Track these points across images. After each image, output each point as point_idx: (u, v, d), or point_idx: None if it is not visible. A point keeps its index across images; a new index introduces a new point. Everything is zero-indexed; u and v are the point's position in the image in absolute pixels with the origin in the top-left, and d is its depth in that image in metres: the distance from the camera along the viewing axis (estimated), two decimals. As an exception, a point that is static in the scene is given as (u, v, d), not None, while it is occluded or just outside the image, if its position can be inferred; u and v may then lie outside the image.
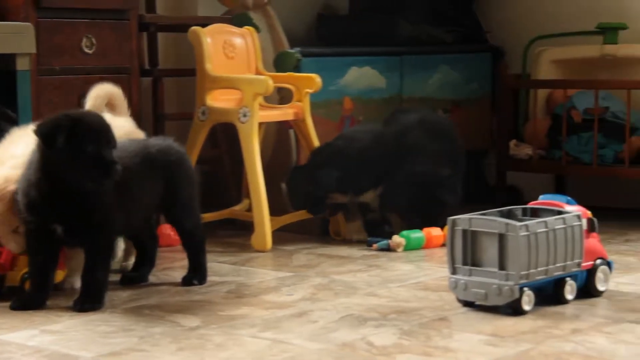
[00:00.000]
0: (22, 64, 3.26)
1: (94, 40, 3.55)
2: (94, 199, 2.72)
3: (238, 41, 3.84)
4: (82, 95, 3.32)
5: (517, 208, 2.88)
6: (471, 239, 2.70)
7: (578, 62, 4.39)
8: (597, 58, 4.34)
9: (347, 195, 3.74)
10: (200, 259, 3.09)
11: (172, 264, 3.36)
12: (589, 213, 2.86)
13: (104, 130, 2.70)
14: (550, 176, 4.52)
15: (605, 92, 4.17)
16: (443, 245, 3.53)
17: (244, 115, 3.60)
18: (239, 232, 3.88)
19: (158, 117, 3.97)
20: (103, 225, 2.76)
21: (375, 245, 3.61)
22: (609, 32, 4.30)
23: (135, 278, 3.10)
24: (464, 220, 2.71)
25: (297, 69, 3.96)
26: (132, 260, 3.21)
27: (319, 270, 3.27)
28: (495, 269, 2.66)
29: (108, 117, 2.86)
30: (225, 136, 4.06)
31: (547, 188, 4.38)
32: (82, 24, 3.53)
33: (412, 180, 3.66)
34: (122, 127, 3.03)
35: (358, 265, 3.36)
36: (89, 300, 2.76)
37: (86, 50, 3.53)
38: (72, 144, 2.64)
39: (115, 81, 3.28)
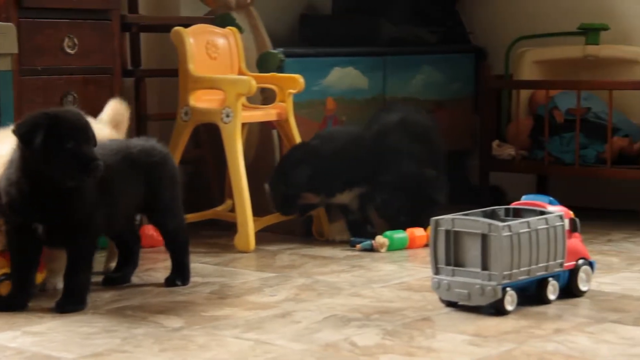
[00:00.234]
0: (4, 64, 3.24)
1: (76, 41, 3.54)
2: (76, 199, 2.71)
3: (221, 41, 3.83)
4: (65, 95, 3.31)
5: (500, 208, 2.89)
6: (454, 240, 2.70)
7: (560, 62, 4.40)
8: (579, 59, 4.35)
9: (319, 196, 3.72)
10: (183, 260, 3.08)
11: (155, 265, 3.36)
12: (571, 213, 2.87)
13: (83, 127, 2.68)
14: (532, 176, 4.54)
15: (587, 93, 4.19)
16: (426, 245, 3.53)
17: (227, 116, 3.59)
18: (222, 233, 3.88)
19: (141, 117, 3.96)
20: (85, 225, 2.75)
21: (358, 246, 3.61)
22: (591, 33, 4.32)
23: (118, 279, 3.09)
24: (447, 220, 2.71)
25: (280, 69, 3.96)
26: (115, 262, 3.19)
27: (302, 271, 3.27)
28: (478, 269, 2.67)
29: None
30: (208, 137, 4.05)
31: (530, 188, 4.40)
32: (64, 24, 3.51)
33: (401, 181, 3.66)
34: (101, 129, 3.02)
35: (341, 265, 3.37)
36: (71, 302, 2.75)
37: (68, 50, 3.52)
38: (50, 142, 2.62)
39: (98, 81, 3.28)
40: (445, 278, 2.72)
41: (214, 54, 3.80)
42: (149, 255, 3.47)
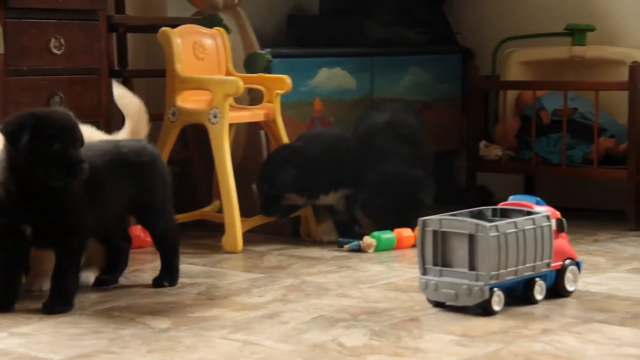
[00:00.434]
0: (-10, 65, 3.24)
1: (62, 41, 3.53)
2: (64, 200, 2.70)
3: (208, 42, 3.83)
4: (51, 96, 3.30)
5: (487, 209, 2.89)
6: (441, 240, 2.71)
7: (547, 63, 4.42)
8: (565, 59, 4.37)
9: (303, 197, 3.72)
10: (173, 261, 3.07)
11: (143, 266, 3.35)
12: (558, 213, 2.88)
13: (70, 129, 2.67)
14: (519, 177, 4.55)
15: (573, 93, 4.20)
16: (414, 246, 3.53)
17: (215, 116, 3.59)
18: (209, 234, 3.87)
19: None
20: (73, 227, 2.74)
21: (346, 246, 3.61)
22: (577, 33, 4.33)
23: (108, 280, 3.08)
24: (434, 221, 2.72)
25: (267, 70, 3.96)
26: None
27: (290, 272, 3.27)
28: (466, 270, 2.67)
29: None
30: (195, 137, 4.04)
31: (517, 189, 4.41)
32: (50, 25, 3.50)
33: (387, 181, 3.66)
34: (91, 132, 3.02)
35: (329, 266, 3.37)
36: (58, 303, 2.74)
37: (54, 50, 3.51)
38: (36, 142, 2.61)
39: (84, 82, 3.27)
40: (432, 278, 2.72)
41: (201, 55, 3.79)
42: (137, 256, 3.46)
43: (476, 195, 4.34)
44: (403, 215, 3.66)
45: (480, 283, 2.64)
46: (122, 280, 3.12)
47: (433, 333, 2.52)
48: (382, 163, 3.70)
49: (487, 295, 2.64)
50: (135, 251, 3.48)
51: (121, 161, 2.91)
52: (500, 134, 4.34)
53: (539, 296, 2.78)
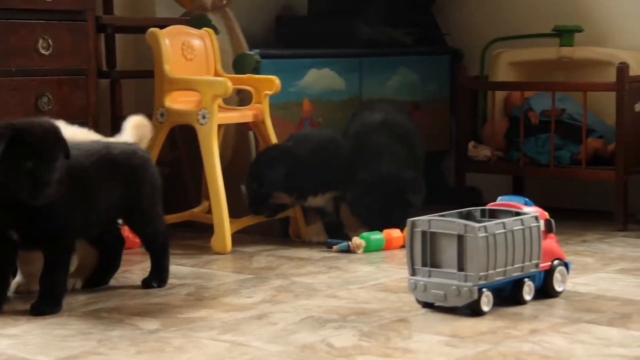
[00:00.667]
0: (-22, 65, 3.23)
1: (50, 42, 3.51)
2: (51, 203, 2.68)
3: (197, 43, 3.82)
4: (39, 97, 3.29)
5: (476, 209, 2.90)
6: (430, 241, 2.71)
7: (535, 64, 4.42)
8: (553, 60, 4.38)
9: (291, 197, 3.72)
10: (162, 263, 3.06)
11: (132, 267, 3.34)
12: (546, 214, 2.89)
13: (47, 145, 2.62)
14: (508, 177, 4.56)
15: (561, 94, 4.22)
16: (403, 246, 3.54)
17: (203, 117, 3.58)
18: (198, 234, 3.87)
19: (116, 119, 3.94)
20: (60, 229, 2.73)
21: (335, 247, 3.61)
22: (565, 34, 4.34)
23: (98, 281, 3.07)
24: (423, 221, 2.72)
25: (256, 70, 3.96)
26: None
27: (279, 272, 3.27)
28: (454, 270, 2.67)
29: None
30: (184, 138, 4.04)
31: (506, 189, 4.42)
32: (38, 25, 3.49)
33: (377, 181, 3.66)
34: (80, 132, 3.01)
35: (318, 267, 3.37)
36: (47, 304, 2.73)
37: (43, 51, 3.50)
38: (10, 155, 2.58)
39: (72, 83, 3.26)
40: (421, 279, 2.72)
41: (189, 55, 3.79)
42: (125, 257, 3.44)
43: (465, 196, 4.35)
44: (390, 215, 3.66)
45: (469, 284, 2.65)
46: (111, 281, 3.11)
47: (422, 334, 2.52)
48: (374, 162, 3.70)
49: (475, 296, 2.65)
50: (124, 252, 3.47)
51: (111, 163, 2.89)
52: (489, 134, 4.35)
53: (527, 297, 2.79)
